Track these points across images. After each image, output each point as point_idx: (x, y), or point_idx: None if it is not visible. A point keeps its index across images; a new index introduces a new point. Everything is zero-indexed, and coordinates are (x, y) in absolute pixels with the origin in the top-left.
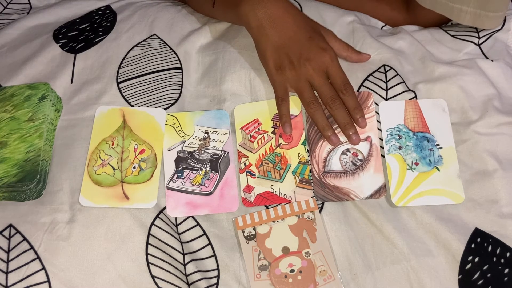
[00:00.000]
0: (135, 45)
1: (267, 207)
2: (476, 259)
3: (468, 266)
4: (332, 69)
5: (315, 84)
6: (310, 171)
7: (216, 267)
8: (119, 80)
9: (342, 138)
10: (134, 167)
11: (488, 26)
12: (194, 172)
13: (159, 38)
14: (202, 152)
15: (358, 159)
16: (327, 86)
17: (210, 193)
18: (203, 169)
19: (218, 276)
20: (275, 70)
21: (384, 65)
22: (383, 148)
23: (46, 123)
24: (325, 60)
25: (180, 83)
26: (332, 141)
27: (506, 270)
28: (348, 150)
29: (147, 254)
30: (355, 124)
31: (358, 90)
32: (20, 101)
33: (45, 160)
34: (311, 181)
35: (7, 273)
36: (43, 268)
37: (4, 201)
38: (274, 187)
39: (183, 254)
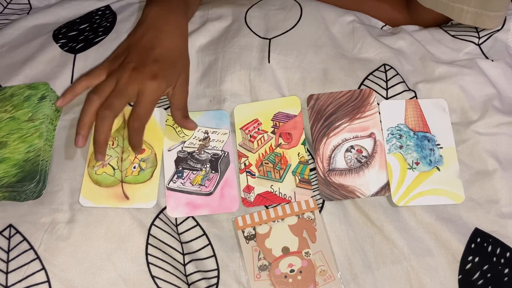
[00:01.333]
0: None
1: (267, 207)
2: (476, 259)
3: (468, 266)
4: (142, 97)
5: (117, 86)
6: (314, 169)
7: (216, 267)
8: None
9: (347, 135)
10: (134, 167)
11: (489, 25)
12: (194, 172)
13: None
14: (202, 152)
15: (362, 156)
16: (118, 97)
17: (210, 193)
18: (203, 169)
19: (218, 276)
20: (109, 59)
21: (384, 64)
22: None
23: (46, 123)
24: (146, 84)
25: None
26: (76, 141)
27: (506, 270)
28: (352, 147)
29: (147, 254)
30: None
31: (359, 89)
32: (20, 101)
33: (45, 160)
34: (311, 181)
35: (7, 273)
36: (43, 268)
37: (4, 201)
38: (274, 187)
39: (183, 254)
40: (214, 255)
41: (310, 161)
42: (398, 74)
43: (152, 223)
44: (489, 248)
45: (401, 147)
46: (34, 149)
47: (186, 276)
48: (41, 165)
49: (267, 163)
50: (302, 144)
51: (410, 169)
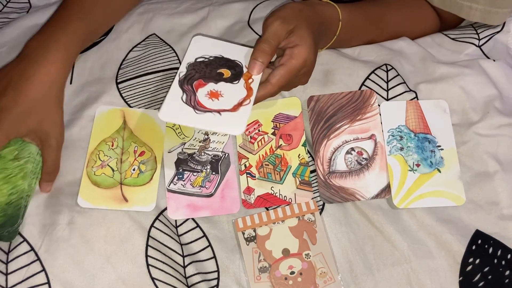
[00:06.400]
0: (135, 46)
1: (267, 209)
2: (477, 261)
3: (469, 268)
4: None
5: None
6: (315, 171)
7: (216, 269)
8: (118, 81)
9: (347, 136)
10: (134, 169)
11: (497, 21)
12: (195, 174)
13: (158, 37)
14: (202, 153)
15: (363, 158)
16: None
17: (211, 195)
18: (204, 170)
19: (218, 278)
20: None
21: (385, 64)
22: None
23: (31, 162)
24: None
25: None
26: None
27: (507, 272)
28: (352, 149)
29: (147, 256)
30: None
31: (359, 89)
32: None
33: (28, 196)
34: (312, 182)
35: (6, 274)
36: (43, 269)
37: None
38: (275, 188)
39: (183, 256)
40: (214, 257)
41: (310, 163)
42: (398, 75)
43: (152, 225)
44: (490, 250)
45: (401, 148)
46: (17, 191)
47: (186, 278)
48: (22, 205)
49: (268, 165)
50: (302, 145)
51: (410, 171)
